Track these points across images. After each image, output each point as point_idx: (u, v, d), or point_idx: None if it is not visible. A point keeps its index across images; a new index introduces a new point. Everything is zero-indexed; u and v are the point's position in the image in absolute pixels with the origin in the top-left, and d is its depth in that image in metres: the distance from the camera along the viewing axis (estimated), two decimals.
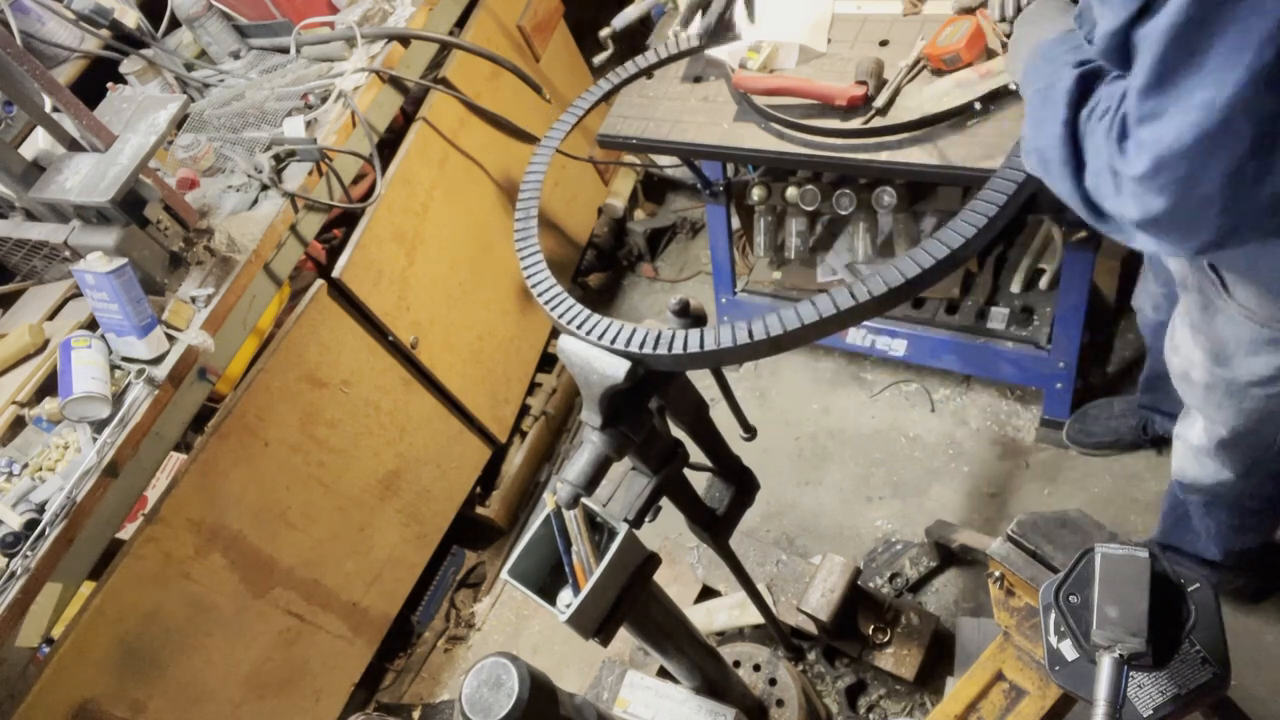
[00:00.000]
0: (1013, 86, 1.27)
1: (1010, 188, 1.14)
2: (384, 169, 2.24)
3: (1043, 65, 1.09)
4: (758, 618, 2.06)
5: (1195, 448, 1.59)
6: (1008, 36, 1.30)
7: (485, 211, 2.62)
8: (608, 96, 1.79)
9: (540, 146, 1.65)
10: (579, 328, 1.22)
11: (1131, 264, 2.38)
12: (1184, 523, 1.82)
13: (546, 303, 1.30)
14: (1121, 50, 0.91)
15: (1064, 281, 2.08)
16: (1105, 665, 0.90)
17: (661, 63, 1.82)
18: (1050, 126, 1.01)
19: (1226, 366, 1.33)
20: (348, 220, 2.35)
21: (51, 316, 2.07)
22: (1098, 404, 2.33)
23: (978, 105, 1.55)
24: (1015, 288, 2.38)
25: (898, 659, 2.04)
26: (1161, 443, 2.24)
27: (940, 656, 2.08)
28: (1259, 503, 1.65)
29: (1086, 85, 0.99)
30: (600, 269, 3.29)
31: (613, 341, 1.18)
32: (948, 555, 2.28)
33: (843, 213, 2.19)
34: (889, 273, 1.11)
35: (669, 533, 2.42)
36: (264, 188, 2.08)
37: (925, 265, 1.10)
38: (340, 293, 2.19)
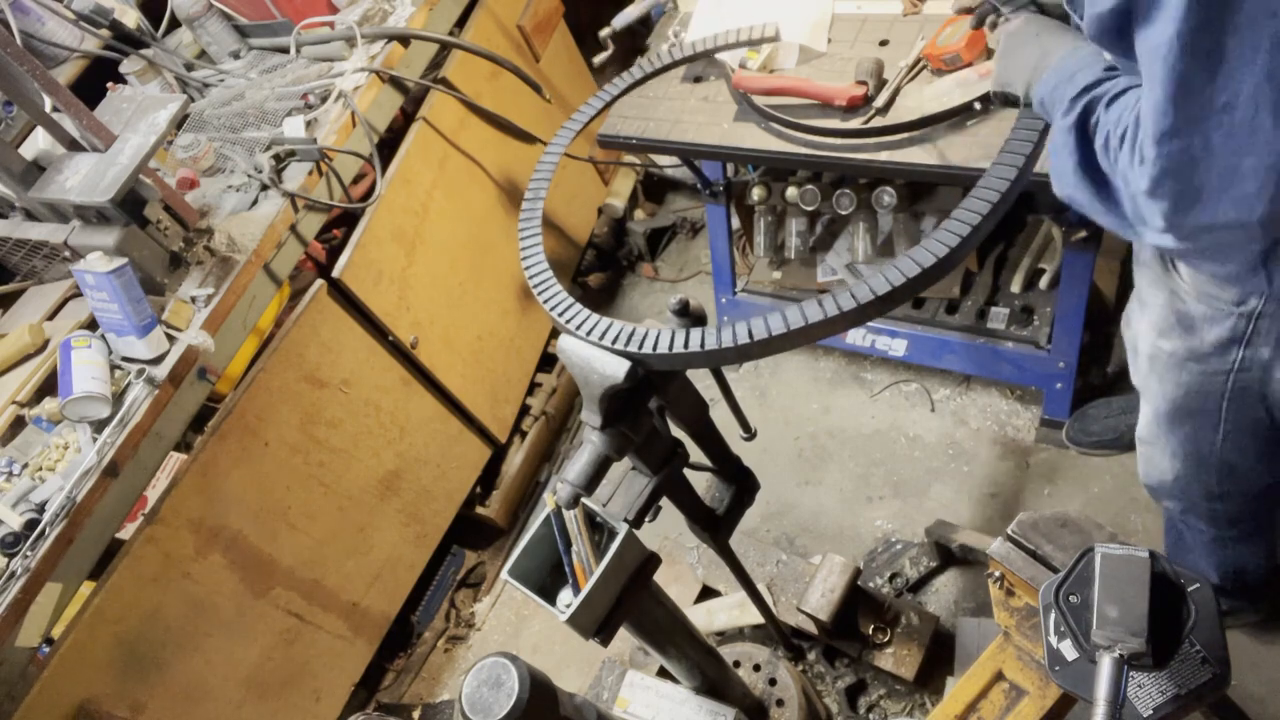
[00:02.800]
0: (994, 90, 1.30)
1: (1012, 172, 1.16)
2: (384, 169, 2.24)
3: (1055, 88, 1.14)
4: (758, 618, 2.06)
5: (1144, 440, 1.60)
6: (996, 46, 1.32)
7: (485, 211, 2.62)
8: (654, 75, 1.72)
9: (567, 124, 1.61)
10: (579, 328, 1.22)
11: (1132, 264, 2.37)
12: (1181, 541, 1.80)
13: (547, 302, 1.30)
14: (1113, 33, 0.96)
15: (1064, 281, 2.08)
16: (1105, 665, 0.90)
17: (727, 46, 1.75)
18: (1067, 172, 1.11)
19: (1167, 339, 1.36)
20: (348, 220, 2.35)
21: (51, 316, 2.07)
22: (1097, 404, 2.33)
23: (978, 105, 1.55)
24: (1015, 288, 2.38)
25: (898, 659, 2.04)
26: None
27: (940, 656, 2.08)
28: (1229, 508, 1.62)
29: (1085, 116, 1.07)
30: (600, 269, 3.29)
31: (613, 341, 1.18)
32: (948, 555, 2.28)
33: (843, 213, 2.19)
34: (891, 271, 1.11)
35: (669, 533, 2.42)
36: (264, 188, 2.08)
37: (940, 253, 1.10)
38: (340, 293, 2.19)
